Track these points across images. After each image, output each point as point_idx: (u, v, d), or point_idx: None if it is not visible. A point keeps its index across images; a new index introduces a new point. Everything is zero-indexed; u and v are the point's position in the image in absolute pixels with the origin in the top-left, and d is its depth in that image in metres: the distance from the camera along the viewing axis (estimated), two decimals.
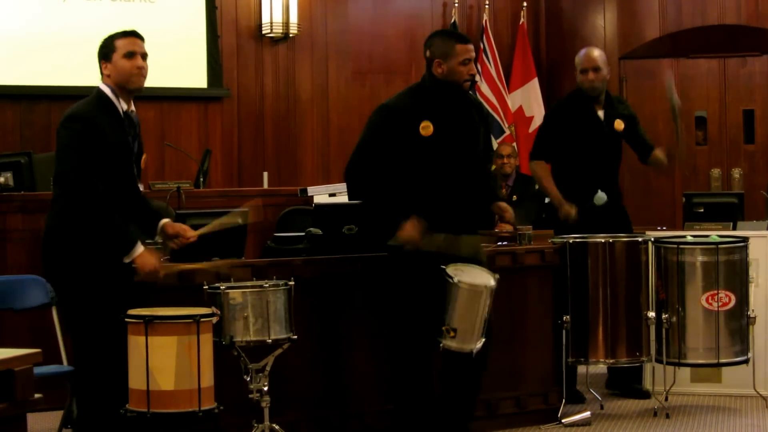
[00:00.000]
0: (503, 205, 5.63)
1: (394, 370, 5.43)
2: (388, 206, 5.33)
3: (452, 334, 5.14)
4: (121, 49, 4.93)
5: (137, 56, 4.94)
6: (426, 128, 5.31)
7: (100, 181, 4.76)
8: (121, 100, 4.92)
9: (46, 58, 8.93)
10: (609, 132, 6.68)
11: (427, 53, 5.43)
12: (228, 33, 9.77)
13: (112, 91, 4.92)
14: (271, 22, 9.82)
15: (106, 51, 4.97)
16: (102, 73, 4.98)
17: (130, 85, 4.93)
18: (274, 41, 9.96)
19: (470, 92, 5.59)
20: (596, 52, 6.77)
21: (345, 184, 5.53)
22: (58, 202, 4.88)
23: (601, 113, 6.69)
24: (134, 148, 4.98)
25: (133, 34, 5.00)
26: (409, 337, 5.31)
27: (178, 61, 9.07)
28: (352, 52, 10.35)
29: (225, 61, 9.71)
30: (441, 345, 5.17)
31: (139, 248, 4.83)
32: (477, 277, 5.23)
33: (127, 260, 4.82)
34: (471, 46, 5.41)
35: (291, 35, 9.94)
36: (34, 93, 8.93)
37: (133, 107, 4.99)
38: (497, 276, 5.30)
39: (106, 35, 5.05)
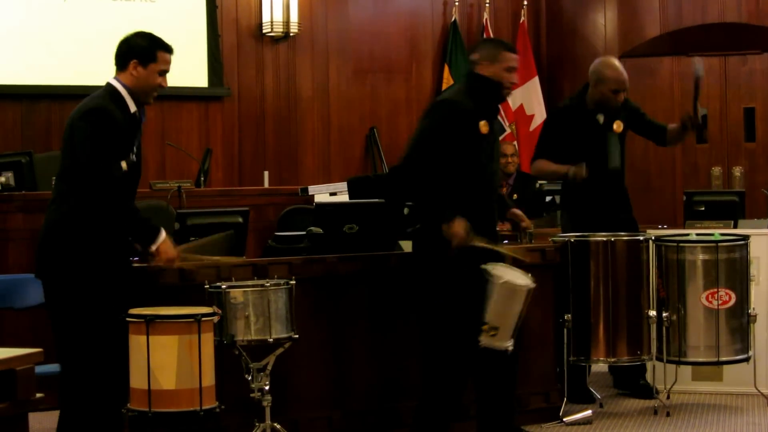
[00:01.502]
0: (518, 212, 5.78)
1: (431, 367, 5.43)
2: (440, 202, 5.34)
3: (493, 332, 5.24)
4: (160, 64, 4.92)
5: (165, 76, 4.96)
6: (484, 126, 5.41)
7: (117, 176, 4.75)
8: (133, 100, 4.91)
9: (47, 57, 8.94)
10: (609, 135, 6.65)
11: (475, 55, 5.57)
12: (228, 32, 9.77)
13: (126, 89, 4.89)
14: (272, 21, 9.83)
15: (145, 55, 4.90)
16: (125, 69, 4.90)
17: (146, 98, 4.94)
18: (275, 40, 9.96)
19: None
20: (622, 69, 6.61)
21: (403, 174, 5.47)
22: (63, 199, 4.85)
23: (600, 117, 6.66)
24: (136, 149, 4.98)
25: (172, 51, 5.00)
26: (450, 337, 5.35)
27: (178, 61, 8.93)
28: (353, 51, 10.35)
29: (225, 61, 9.72)
30: (481, 342, 5.25)
31: (163, 235, 4.83)
32: (518, 278, 5.33)
33: (153, 248, 4.81)
34: (516, 57, 5.63)
35: (291, 34, 9.95)
36: (35, 92, 8.93)
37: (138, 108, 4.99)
38: (532, 277, 5.37)
39: (146, 32, 4.99)
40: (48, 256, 4.85)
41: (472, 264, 5.26)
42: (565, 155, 6.72)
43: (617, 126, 6.67)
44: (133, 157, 4.93)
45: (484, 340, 5.25)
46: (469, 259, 5.26)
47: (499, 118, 10.25)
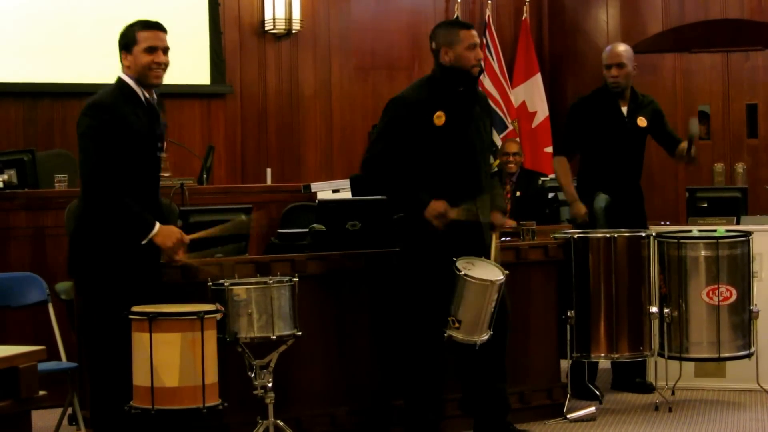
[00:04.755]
0: (497, 218, 5.56)
1: (403, 362, 5.46)
2: (408, 196, 5.34)
3: (457, 325, 5.19)
4: (142, 42, 4.90)
5: (158, 51, 4.92)
6: (439, 118, 5.35)
7: (114, 169, 4.73)
8: (143, 90, 4.91)
9: (49, 55, 8.93)
10: (632, 128, 6.67)
11: (433, 45, 5.49)
12: (231, 29, 9.77)
13: (134, 80, 4.90)
14: (274, 19, 9.82)
15: (126, 41, 4.92)
16: (122, 64, 4.93)
17: (147, 80, 4.91)
18: (277, 37, 9.95)
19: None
20: (621, 48, 6.77)
21: (365, 176, 5.53)
22: (82, 198, 4.88)
23: (624, 109, 6.69)
24: (159, 132, 4.97)
25: (157, 27, 4.97)
26: (419, 330, 5.36)
27: (180, 58, 8.96)
28: (355, 48, 10.35)
29: (228, 58, 9.71)
30: (446, 335, 5.21)
31: (157, 227, 4.81)
32: (485, 272, 5.26)
33: (144, 241, 4.79)
34: (474, 32, 5.46)
35: (294, 31, 9.94)
36: (37, 90, 8.93)
37: (154, 95, 4.97)
38: (506, 272, 5.32)
39: (127, 24, 5.00)
40: (75, 256, 4.88)
41: (445, 256, 5.24)
42: (587, 146, 6.73)
43: (641, 121, 6.69)
44: (160, 147, 4.96)
45: (451, 333, 5.22)
46: (443, 251, 5.26)
47: (501, 114, 10.20)
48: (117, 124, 4.76)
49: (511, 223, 6.69)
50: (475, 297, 5.19)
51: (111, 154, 4.73)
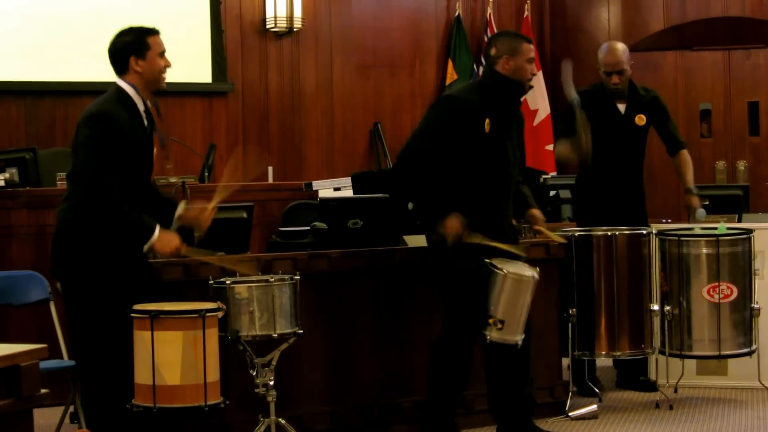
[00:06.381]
0: (536, 213, 5.64)
1: (433, 360, 5.43)
2: (436, 198, 5.31)
3: (499, 326, 5.18)
4: (155, 48, 4.92)
5: (165, 55, 4.96)
6: (488, 125, 5.34)
7: (114, 179, 4.75)
8: (141, 98, 4.92)
9: (51, 53, 8.93)
10: (630, 127, 6.63)
11: (493, 51, 5.46)
12: (232, 27, 9.77)
13: (134, 88, 4.90)
14: (275, 17, 9.82)
15: (138, 47, 4.90)
16: (129, 69, 4.91)
17: (158, 84, 4.96)
18: (279, 35, 9.96)
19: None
20: (620, 51, 6.59)
21: (398, 166, 5.41)
22: (71, 198, 4.87)
23: (622, 107, 6.63)
24: (152, 143, 4.98)
25: (159, 32, 5.00)
26: (453, 330, 5.34)
27: (182, 56, 9.00)
28: (357, 46, 10.35)
29: (229, 56, 9.71)
30: (487, 337, 5.20)
31: (157, 232, 4.82)
32: (521, 269, 5.27)
33: (147, 247, 4.81)
34: (533, 47, 5.52)
35: (295, 29, 9.94)
36: (39, 89, 8.93)
37: (149, 104, 4.99)
38: (537, 268, 5.34)
39: (126, 29, 4.99)
40: (59, 255, 4.88)
41: (473, 258, 5.24)
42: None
43: (639, 119, 6.64)
44: (151, 153, 4.98)
45: (492, 335, 5.19)
46: (470, 253, 5.24)
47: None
48: (116, 133, 4.78)
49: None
50: (517, 295, 5.20)
51: (110, 163, 4.75)
